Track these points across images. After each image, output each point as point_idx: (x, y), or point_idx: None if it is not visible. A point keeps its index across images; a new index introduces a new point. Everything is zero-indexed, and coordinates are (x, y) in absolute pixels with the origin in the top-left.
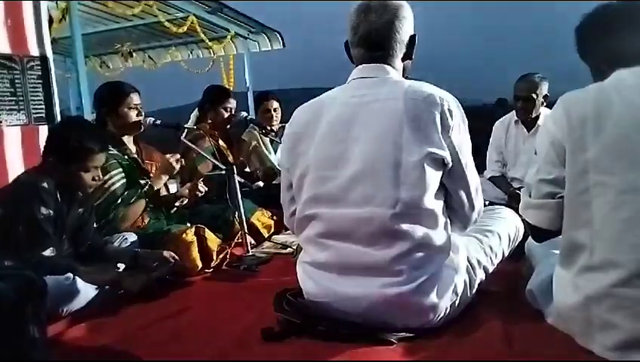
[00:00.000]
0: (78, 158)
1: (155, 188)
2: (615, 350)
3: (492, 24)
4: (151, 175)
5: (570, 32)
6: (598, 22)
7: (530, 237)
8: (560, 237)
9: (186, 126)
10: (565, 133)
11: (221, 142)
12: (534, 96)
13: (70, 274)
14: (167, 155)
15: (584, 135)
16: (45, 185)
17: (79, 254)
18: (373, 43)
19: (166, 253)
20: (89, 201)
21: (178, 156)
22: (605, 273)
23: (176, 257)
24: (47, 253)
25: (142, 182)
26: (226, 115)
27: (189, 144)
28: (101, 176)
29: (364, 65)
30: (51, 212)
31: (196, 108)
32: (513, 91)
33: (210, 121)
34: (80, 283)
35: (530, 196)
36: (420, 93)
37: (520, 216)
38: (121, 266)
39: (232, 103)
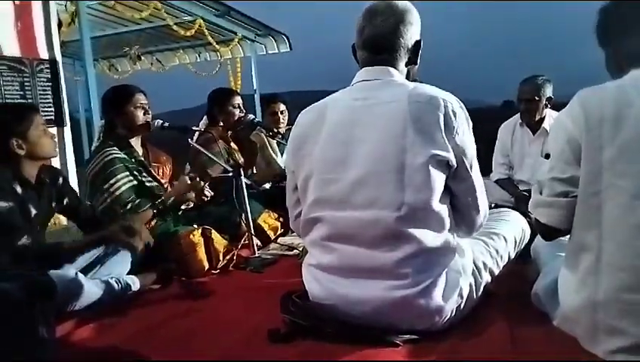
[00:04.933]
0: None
1: (167, 205)
2: (620, 355)
3: (498, 24)
4: (157, 177)
5: (579, 33)
6: (625, 12)
7: (536, 240)
8: (566, 239)
9: (194, 128)
10: (583, 132)
11: (232, 145)
12: (538, 98)
13: (72, 270)
14: (186, 178)
15: (601, 135)
16: None
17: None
18: (377, 46)
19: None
20: (67, 190)
21: (199, 183)
22: (612, 277)
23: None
24: (23, 241)
25: (157, 197)
26: (237, 112)
27: (199, 147)
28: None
29: (368, 67)
30: (11, 203)
31: (204, 117)
32: (517, 94)
33: (221, 124)
34: (83, 279)
35: (541, 193)
36: (423, 96)
37: (528, 213)
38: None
39: (239, 100)
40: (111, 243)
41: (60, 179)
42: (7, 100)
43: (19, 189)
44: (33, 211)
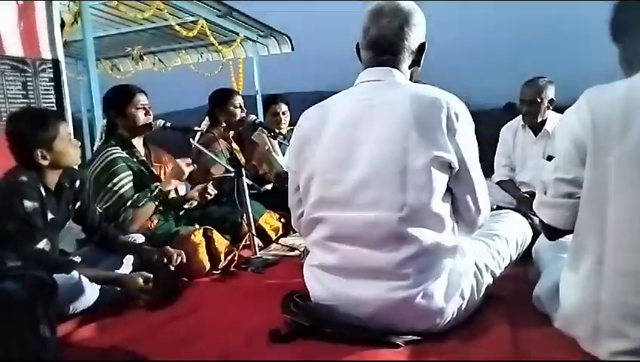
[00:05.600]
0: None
1: (165, 192)
2: (621, 357)
3: (501, 25)
4: (160, 177)
5: (583, 35)
6: (634, 12)
7: (537, 242)
8: (568, 240)
9: (196, 128)
10: (589, 133)
11: (234, 145)
12: (540, 100)
13: (75, 273)
14: (179, 160)
15: (609, 137)
16: (25, 178)
17: (94, 243)
18: (381, 47)
19: (172, 250)
20: (82, 193)
21: (189, 160)
22: (617, 280)
23: (182, 254)
24: (42, 245)
25: (152, 185)
26: (238, 111)
27: (200, 147)
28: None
29: (371, 68)
30: (36, 204)
31: (206, 118)
32: (519, 96)
33: (223, 124)
34: (85, 281)
35: (545, 194)
36: (425, 97)
37: (530, 215)
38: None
39: (240, 100)
40: (122, 286)
41: (78, 182)
42: (9, 100)
43: (43, 192)
44: (50, 216)
